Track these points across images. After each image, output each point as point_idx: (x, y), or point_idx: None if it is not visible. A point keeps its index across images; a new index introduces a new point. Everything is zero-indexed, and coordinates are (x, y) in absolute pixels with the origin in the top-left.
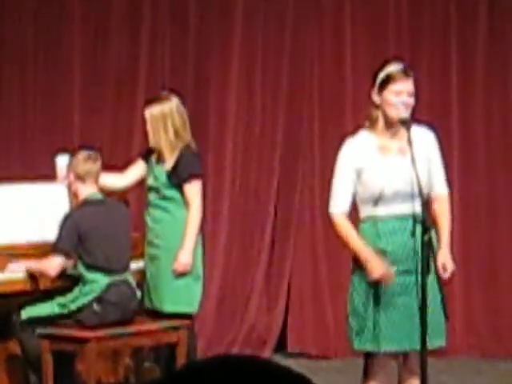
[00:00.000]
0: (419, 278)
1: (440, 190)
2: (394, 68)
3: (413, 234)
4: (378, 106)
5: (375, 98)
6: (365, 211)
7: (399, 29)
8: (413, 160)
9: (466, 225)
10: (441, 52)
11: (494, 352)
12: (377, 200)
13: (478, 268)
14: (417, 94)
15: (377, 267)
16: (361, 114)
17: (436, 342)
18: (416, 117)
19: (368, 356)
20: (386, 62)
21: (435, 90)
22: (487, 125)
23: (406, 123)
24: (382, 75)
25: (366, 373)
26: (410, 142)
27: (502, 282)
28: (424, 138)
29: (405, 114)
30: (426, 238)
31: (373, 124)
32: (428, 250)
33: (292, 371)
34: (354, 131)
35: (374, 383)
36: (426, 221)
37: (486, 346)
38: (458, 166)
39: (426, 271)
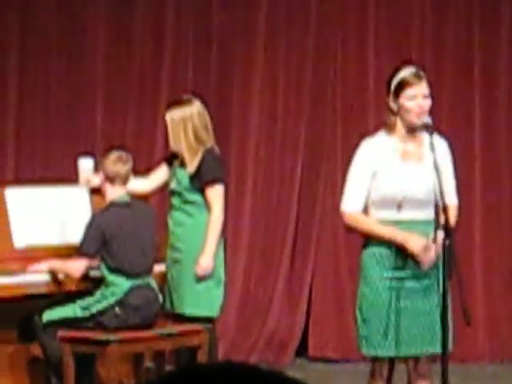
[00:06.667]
0: (435, 282)
1: (450, 201)
2: (406, 73)
3: (434, 239)
4: (395, 113)
5: (392, 104)
6: (374, 214)
7: (422, 31)
8: (435, 165)
9: (488, 230)
10: (464, 55)
11: None
12: (391, 204)
13: (500, 273)
14: (439, 99)
15: (417, 241)
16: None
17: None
18: (438, 124)
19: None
20: (397, 68)
21: (458, 94)
22: (510, 131)
23: (428, 127)
24: (395, 82)
25: (373, 374)
26: (432, 146)
27: None
28: (438, 146)
29: (426, 118)
30: (447, 242)
31: (391, 130)
32: (449, 254)
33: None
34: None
35: None
36: (447, 226)
37: (509, 351)
38: (480, 172)
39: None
